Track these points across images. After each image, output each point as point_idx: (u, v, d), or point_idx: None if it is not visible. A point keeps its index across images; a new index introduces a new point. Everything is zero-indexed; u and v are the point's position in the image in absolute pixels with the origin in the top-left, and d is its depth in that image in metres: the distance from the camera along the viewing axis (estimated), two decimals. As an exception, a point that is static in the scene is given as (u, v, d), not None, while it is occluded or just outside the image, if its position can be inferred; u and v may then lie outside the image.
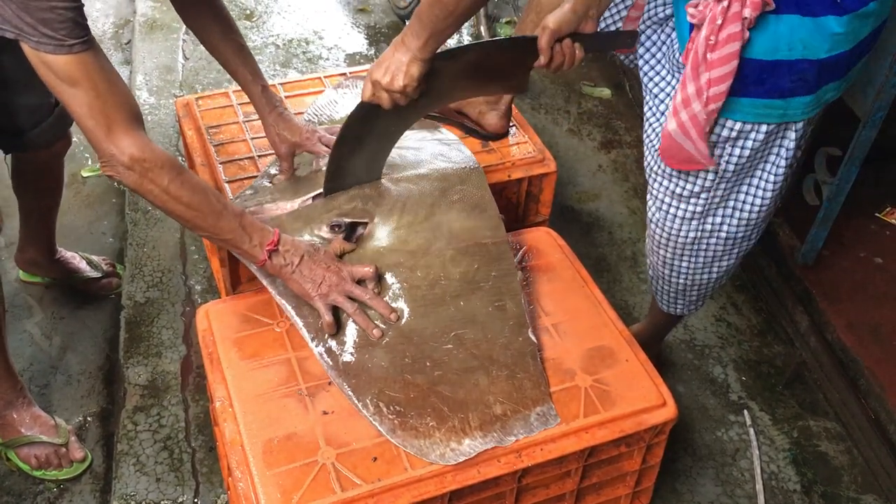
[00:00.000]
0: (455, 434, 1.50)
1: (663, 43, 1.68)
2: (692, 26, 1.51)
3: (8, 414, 1.96)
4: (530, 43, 1.62)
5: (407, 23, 3.55)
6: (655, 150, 1.70)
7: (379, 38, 3.53)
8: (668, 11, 1.66)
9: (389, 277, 1.69)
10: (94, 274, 2.41)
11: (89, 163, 2.85)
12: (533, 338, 1.65)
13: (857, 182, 2.13)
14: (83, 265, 2.40)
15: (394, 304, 1.66)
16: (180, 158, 2.76)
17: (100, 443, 2.09)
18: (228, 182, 2.00)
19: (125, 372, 2.16)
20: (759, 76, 1.50)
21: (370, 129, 1.76)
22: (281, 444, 1.48)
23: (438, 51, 1.60)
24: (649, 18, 1.70)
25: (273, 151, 1.94)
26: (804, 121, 1.58)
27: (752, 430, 2.14)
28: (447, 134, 2.08)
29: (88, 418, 2.14)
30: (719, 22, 1.44)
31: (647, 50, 1.71)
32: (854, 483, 2.06)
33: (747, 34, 1.45)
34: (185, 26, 2.32)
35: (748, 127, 1.57)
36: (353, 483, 1.43)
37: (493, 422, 1.52)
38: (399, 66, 1.57)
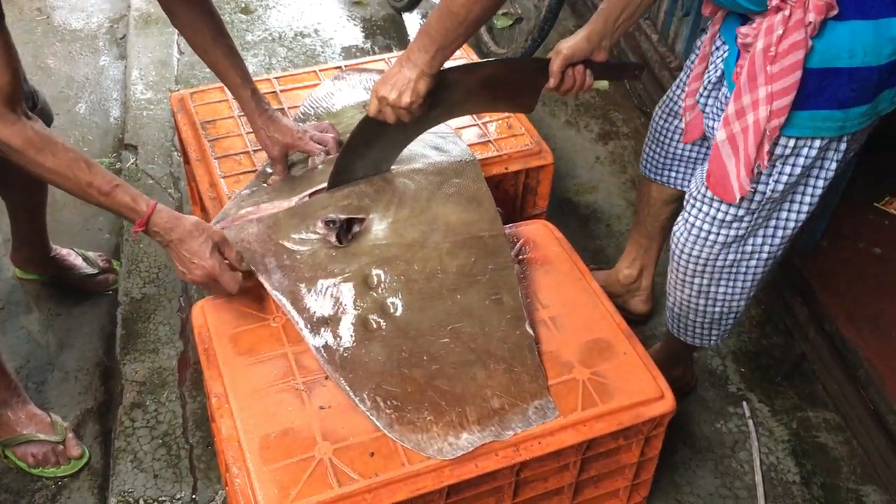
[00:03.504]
0: (453, 428, 1.49)
1: (723, 103, 1.65)
2: (738, 54, 1.48)
3: (3, 413, 1.95)
4: (543, 65, 1.70)
5: (403, 16, 3.56)
6: (702, 177, 1.67)
7: (375, 31, 3.52)
8: (720, 72, 1.68)
9: (386, 271, 1.69)
10: (91, 270, 2.40)
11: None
12: (530, 331, 1.64)
13: (856, 171, 2.12)
14: (79, 262, 2.40)
15: (390, 298, 1.65)
16: (175, 154, 2.76)
17: (97, 439, 2.09)
18: (224, 177, 1.99)
19: (122, 368, 2.16)
20: (817, 86, 1.44)
21: (377, 140, 1.77)
22: (278, 440, 1.47)
23: (455, 65, 1.62)
24: (706, 87, 1.75)
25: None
26: (849, 135, 1.53)
27: (751, 422, 2.14)
28: (443, 126, 2.07)
29: (86, 415, 2.14)
30: (780, 32, 1.39)
31: (712, 108, 1.71)
32: (853, 474, 2.05)
33: (810, 43, 1.39)
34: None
35: (801, 142, 1.52)
36: (351, 478, 1.42)
37: (491, 416, 1.52)
38: (406, 83, 1.58)
